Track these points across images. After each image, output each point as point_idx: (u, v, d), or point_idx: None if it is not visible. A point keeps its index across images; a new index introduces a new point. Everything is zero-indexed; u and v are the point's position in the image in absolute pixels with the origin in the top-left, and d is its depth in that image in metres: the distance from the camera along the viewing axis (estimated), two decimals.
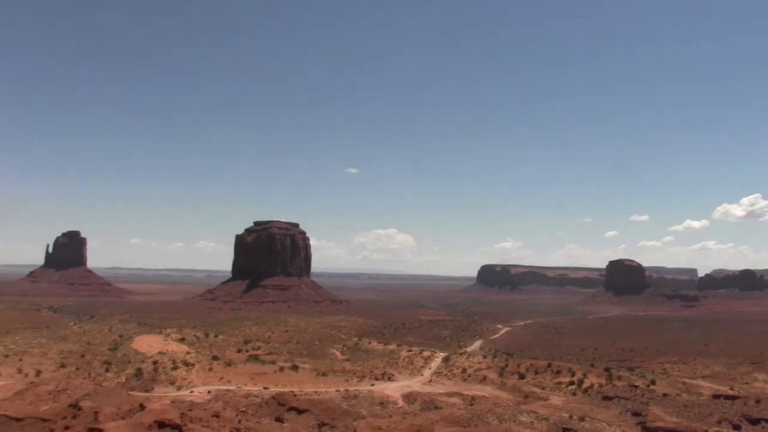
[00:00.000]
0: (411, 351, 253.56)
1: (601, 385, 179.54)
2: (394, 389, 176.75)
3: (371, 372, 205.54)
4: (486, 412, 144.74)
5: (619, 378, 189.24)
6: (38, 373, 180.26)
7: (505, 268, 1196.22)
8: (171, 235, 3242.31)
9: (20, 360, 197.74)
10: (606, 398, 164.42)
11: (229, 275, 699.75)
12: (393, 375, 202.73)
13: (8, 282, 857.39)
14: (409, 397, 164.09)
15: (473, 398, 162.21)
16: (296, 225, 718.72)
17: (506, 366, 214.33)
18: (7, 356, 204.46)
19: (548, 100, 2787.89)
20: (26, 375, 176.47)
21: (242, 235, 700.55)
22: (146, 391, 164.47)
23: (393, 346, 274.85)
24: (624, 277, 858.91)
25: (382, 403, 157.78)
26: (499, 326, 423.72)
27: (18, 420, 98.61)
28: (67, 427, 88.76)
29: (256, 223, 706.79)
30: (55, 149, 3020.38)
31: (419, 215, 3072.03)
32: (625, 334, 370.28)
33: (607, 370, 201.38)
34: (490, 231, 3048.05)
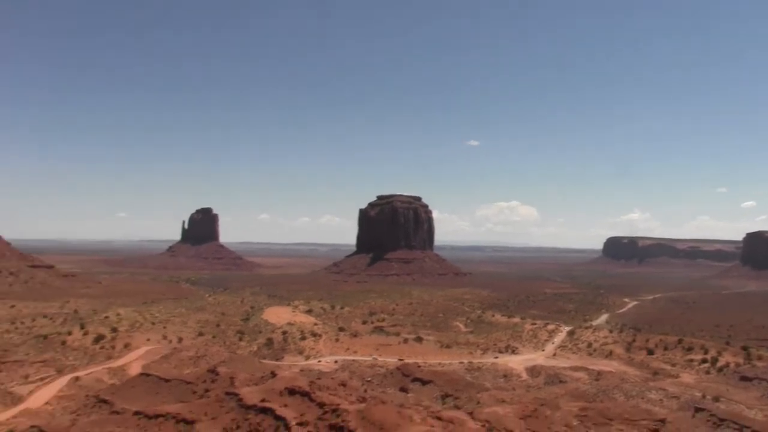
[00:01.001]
0: (535, 324, 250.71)
1: (738, 365, 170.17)
2: (517, 362, 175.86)
3: (495, 345, 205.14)
4: (612, 387, 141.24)
5: (760, 358, 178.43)
6: (180, 339, 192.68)
7: (633, 240, 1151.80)
8: (297, 210, 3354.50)
9: (164, 328, 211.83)
10: (744, 379, 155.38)
11: (354, 249, 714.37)
12: (517, 348, 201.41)
13: (150, 256, 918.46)
14: (533, 371, 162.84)
15: (599, 373, 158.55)
16: (419, 198, 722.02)
17: (634, 341, 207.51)
18: (153, 324, 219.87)
19: (679, 67, 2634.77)
20: (170, 341, 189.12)
21: (366, 209, 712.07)
22: (277, 359, 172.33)
23: (517, 319, 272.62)
24: (764, 250, 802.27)
25: (505, 376, 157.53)
26: (626, 300, 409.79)
27: (166, 381, 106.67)
28: (207, 390, 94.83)
29: (379, 197, 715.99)
30: (190, 132, 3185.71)
31: (543, 187, 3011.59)
32: (765, 310, 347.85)
33: (744, 348, 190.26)
34: (617, 202, 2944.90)
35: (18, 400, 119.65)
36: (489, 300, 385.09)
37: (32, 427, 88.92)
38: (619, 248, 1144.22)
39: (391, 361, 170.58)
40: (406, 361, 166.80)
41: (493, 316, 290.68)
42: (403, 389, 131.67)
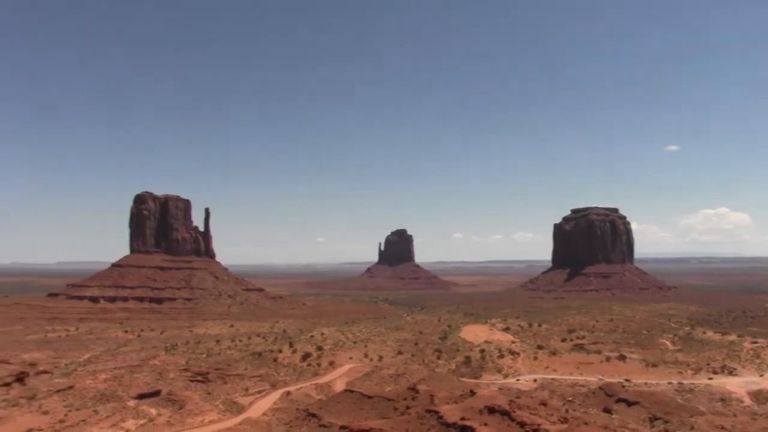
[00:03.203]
0: (756, 342, 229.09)
1: None
2: (737, 385, 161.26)
3: (708, 364, 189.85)
4: None
5: None
6: (380, 358, 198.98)
7: None
8: (490, 228, 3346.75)
9: (365, 346, 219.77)
10: None
11: (549, 264, 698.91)
12: (734, 369, 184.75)
13: (350, 278, 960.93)
14: (758, 396, 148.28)
15: None
16: (615, 210, 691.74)
17: None
18: (355, 342, 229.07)
19: None
20: (371, 359, 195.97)
21: (560, 223, 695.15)
22: (475, 377, 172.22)
23: (733, 337, 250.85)
24: None
25: (723, 400, 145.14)
26: None
27: (369, 397, 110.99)
28: (408, 407, 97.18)
29: (574, 211, 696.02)
30: (381, 157, 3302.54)
31: (756, 190, 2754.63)
32: None
33: None
34: None
35: (241, 409, 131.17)
36: (698, 315, 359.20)
37: None
38: None
39: (593, 380, 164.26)
40: (609, 380, 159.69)
41: (704, 332, 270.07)
42: (607, 410, 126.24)
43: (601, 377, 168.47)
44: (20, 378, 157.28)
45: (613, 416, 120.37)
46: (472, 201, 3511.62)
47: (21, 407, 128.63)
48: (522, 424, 72.66)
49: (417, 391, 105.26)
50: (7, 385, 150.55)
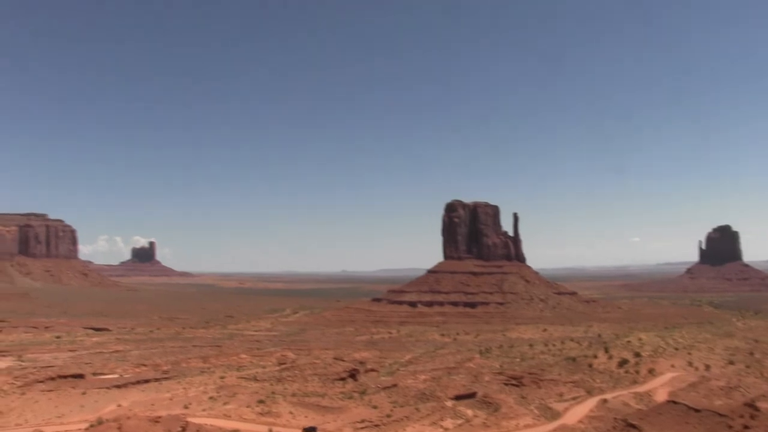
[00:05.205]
0: None
1: None
2: None
3: None
4: None
5: None
6: (707, 367, 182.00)
7: None
8: None
9: (689, 354, 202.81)
10: None
11: None
12: None
13: (667, 279, 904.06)
14: None
15: None
16: None
17: None
18: (676, 349, 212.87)
19: None
20: (696, 368, 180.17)
21: None
22: None
23: None
24: None
25: None
26: None
27: (696, 411, 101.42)
28: (745, 427, 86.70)
29: None
30: (694, 147, 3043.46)
31: None
32: None
33: None
34: None
35: (556, 415, 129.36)
36: None
37: None
38: None
39: None
40: None
41: None
42: None
43: None
44: (353, 374, 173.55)
45: None
46: None
47: (354, 400, 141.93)
48: None
49: (757, 409, 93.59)
50: (342, 379, 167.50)
